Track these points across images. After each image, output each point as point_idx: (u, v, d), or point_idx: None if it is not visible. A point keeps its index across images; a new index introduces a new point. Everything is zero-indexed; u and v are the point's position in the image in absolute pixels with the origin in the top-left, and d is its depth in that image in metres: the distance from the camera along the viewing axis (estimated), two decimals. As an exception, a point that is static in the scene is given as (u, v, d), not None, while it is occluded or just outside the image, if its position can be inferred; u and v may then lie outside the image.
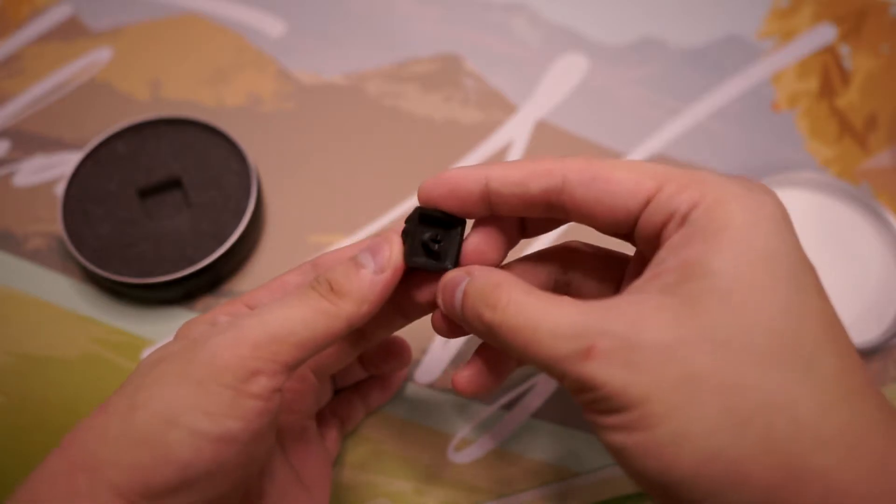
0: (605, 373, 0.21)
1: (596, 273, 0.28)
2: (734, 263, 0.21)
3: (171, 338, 0.27)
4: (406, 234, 0.26)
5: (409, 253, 0.26)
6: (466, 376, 0.27)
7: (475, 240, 0.27)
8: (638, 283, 0.22)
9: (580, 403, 0.22)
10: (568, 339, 0.21)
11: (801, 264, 0.22)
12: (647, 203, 0.23)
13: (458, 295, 0.25)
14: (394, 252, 0.26)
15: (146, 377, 0.24)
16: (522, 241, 0.28)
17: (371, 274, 0.25)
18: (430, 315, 0.28)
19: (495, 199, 0.25)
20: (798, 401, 0.20)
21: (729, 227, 0.21)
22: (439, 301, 0.26)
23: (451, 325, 0.27)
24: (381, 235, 0.26)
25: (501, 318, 0.23)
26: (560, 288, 0.28)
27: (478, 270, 0.25)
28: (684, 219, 0.22)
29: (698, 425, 0.20)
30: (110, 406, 0.23)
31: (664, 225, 0.23)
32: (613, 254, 0.28)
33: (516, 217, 0.27)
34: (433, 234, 0.26)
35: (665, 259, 0.22)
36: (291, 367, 0.24)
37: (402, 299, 0.31)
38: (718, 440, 0.20)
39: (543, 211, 0.25)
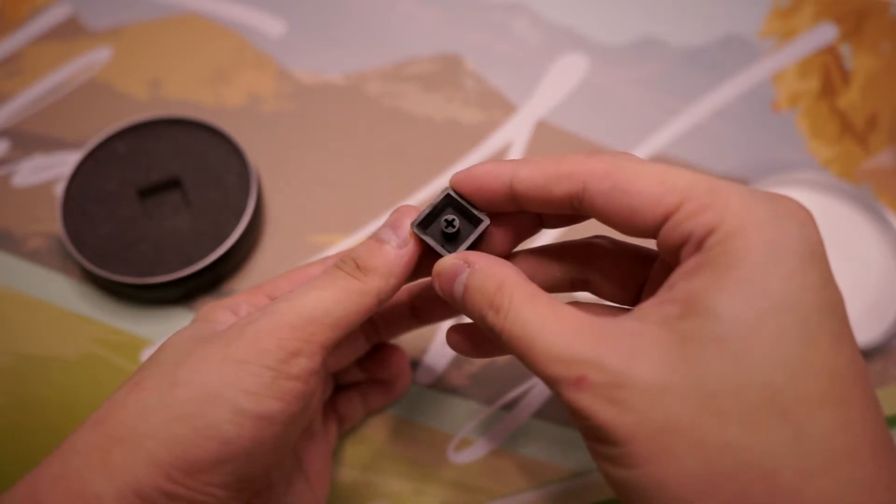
0: (593, 406, 0.20)
1: (618, 274, 0.27)
2: (740, 308, 0.19)
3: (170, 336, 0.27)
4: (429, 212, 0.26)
5: (420, 224, 0.26)
6: (456, 339, 0.28)
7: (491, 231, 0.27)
8: (645, 306, 0.22)
9: (576, 424, 0.22)
10: (560, 364, 0.21)
11: (821, 310, 0.20)
12: (666, 219, 0.22)
13: (458, 287, 0.24)
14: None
15: (185, 357, 0.24)
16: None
17: (394, 248, 0.26)
18: (446, 336, 0.28)
19: (520, 199, 0.25)
20: (780, 467, 0.19)
21: (742, 264, 0.20)
22: (435, 285, 0.26)
23: (471, 345, 0.27)
24: (399, 210, 0.26)
25: (503, 324, 0.22)
26: (578, 285, 0.28)
27: (479, 262, 0.24)
28: (700, 244, 0.21)
29: (674, 476, 0.19)
30: (146, 382, 0.24)
31: (682, 245, 0.21)
32: (640, 252, 0.27)
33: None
34: (450, 219, 0.26)
35: (675, 284, 0.21)
36: (327, 348, 0.25)
37: (418, 300, 0.31)
38: (691, 495, 0.19)
39: (569, 210, 0.24)
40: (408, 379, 0.35)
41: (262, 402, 0.23)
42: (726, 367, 0.19)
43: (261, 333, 0.24)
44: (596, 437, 0.21)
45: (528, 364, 0.22)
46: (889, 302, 0.37)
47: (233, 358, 0.24)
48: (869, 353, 0.37)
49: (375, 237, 0.26)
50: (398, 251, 0.26)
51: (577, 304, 0.27)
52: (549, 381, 0.21)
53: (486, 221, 0.26)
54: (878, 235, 0.39)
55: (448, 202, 0.26)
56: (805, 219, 0.21)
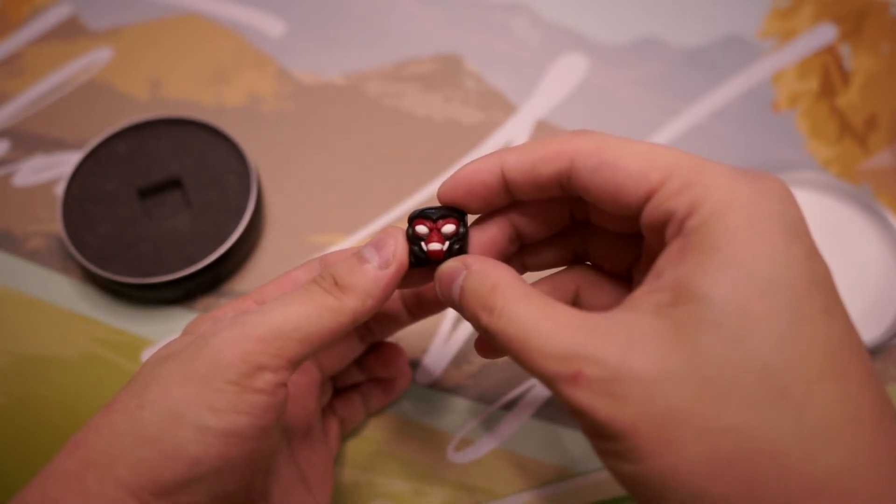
0: (592, 401, 0.20)
1: (613, 248, 0.27)
2: (729, 291, 0.19)
3: (172, 336, 0.27)
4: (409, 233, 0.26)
5: (413, 253, 0.26)
6: (481, 343, 0.28)
7: (479, 235, 0.27)
8: (637, 295, 0.22)
9: (577, 422, 0.22)
10: (556, 360, 0.21)
11: (809, 284, 0.20)
12: (650, 196, 0.22)
13: (455, 290, 0.24)
14: (398, 247, 0.26)
15: (152, 375, 0.24)
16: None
17: (375, 269, 0.25)
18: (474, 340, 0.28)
19: (512, 186, 0.25)
20: (785, 446, 0.19)
21: (727, 246, 0.20)
22: (438, 291, 0.26)
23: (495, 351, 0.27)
24: (385, 231, 0.26)
25: (497, 325, 0.22)
26: (579, 258, 0.28)
27: (475, 265, 0.24)
28: (682, 224, 0.21)
29: (681, 466, 0.19)
30: (117, 404, 0.24)
31: (664, 225, 0.22)
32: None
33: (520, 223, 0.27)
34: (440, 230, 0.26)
35: (663, 270, 0.21)
36: (296, 363, 0.24)
37: (409, 298, 0.31)
38: (701, 482, 0.19)
39: (558, 192, 0.24)
40: (408, 376, 0.35)
41: (228, 418, 0.23)
42: (722, 351, 0.19)
43: (224, 346, 0.23)
44: (598, 433, 0.21)
45: (524, 363, 0.22)
46: (889, 302, 0.37)
47: (195, 374, 0.23)
48: (869, 353, 0.37)
49: (357, 255, 0.26)
50: (378, 272, 0.25)
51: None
52: (546, 379, 0.21)
53: (465, 215, 0.26)
54: (878, 235, 0.39)
55: (420, 215, 0.26)
56: (785, 195, 0.21)
